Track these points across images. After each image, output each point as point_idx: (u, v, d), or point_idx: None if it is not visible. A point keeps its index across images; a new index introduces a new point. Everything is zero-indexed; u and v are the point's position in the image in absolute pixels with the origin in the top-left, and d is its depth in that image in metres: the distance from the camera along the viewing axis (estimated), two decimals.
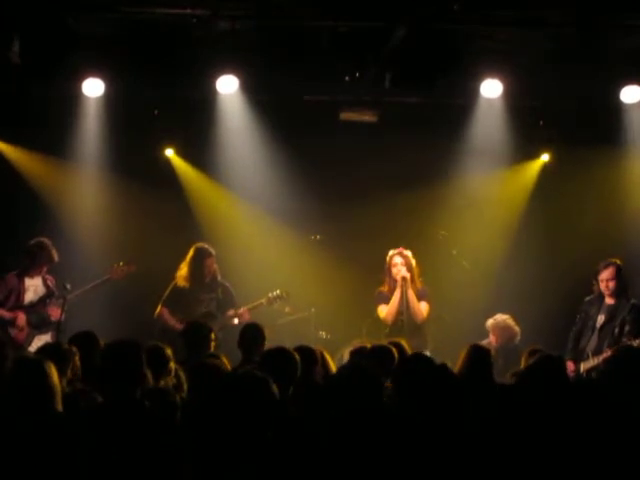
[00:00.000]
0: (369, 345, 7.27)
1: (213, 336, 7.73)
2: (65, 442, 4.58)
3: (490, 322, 9.75)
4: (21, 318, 9.41)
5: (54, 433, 4.61)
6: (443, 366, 6.52)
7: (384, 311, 9.35)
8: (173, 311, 9.71)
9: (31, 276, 9.62)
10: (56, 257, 9.63)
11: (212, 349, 7.61)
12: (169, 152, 11.00)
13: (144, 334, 8.49)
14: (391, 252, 9.45)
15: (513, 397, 5.14)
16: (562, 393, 4.79)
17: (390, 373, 5.41)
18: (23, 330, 9.40)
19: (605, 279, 8.91)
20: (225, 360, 6.51)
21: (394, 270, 9.36)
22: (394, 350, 6.77)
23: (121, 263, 9.92)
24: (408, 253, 9.41)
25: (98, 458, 4.53)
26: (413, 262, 9.40)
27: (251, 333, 7.54)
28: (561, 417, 4.68)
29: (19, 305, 9.49)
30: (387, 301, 9.39)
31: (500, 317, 9.72)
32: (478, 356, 6.77)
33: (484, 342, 9.40)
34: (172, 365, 6.04)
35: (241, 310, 9.82)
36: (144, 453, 4.57)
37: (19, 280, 9.57)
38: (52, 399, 4.78)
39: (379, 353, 6.72)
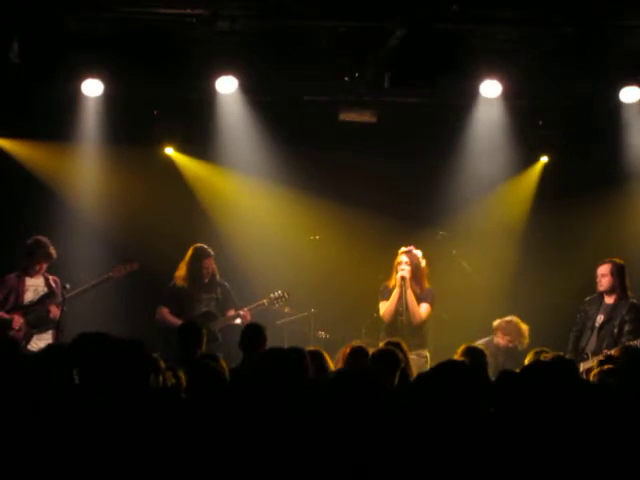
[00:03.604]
0: (366, 345, 7.26)
1: (205, 338, 7.72)
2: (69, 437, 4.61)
3: (500, 322, 9.66)
4: (17, 320, 9.41)
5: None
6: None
7: (383, 308, 9.34)
8: (172, 311, 9.72)
9: (31, 275, 9.62)
10: (54, 254, 9.61)
11: (204, 347, 7.60)
12: (169, 151, 11.01)
13: (146, 333, 8.50)
14: (401, 249, 9.37)
15: (512, 396, 5.12)
16: (565, 394, 4.78)
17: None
18: (20, 331, 9.40)
19: (600, 274, 8.95)
20: (223, 362, 6.50)
21: (398, 268, 9.32)
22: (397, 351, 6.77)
23: (123, 263, 9.93)
24: (418, 252, 9.31)
25: (101, 457, 4.54)
26: (422, 262, 9.30)
27: (252, 333, 7.54)
28: (562, 418, 4.68)
29: (19, 305, 9.49)
30: (389, 298, 9.36)
31: (512, 319, 9.64)
32: (473, 357, 6.75)
33: (484, 340, 9.41)
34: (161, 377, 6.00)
35: (243, 311, 9.81)
36: (147, 452, 4.57)
37: (19, 280, 9.57)
38: None
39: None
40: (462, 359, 6.72)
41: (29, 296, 9.57)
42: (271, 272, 10.64)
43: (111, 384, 5.24)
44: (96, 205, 10.88)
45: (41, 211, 10.54)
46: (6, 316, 9.41)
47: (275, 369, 5.52)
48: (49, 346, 6.69)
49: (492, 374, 6.79)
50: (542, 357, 6.92)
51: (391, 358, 6.62)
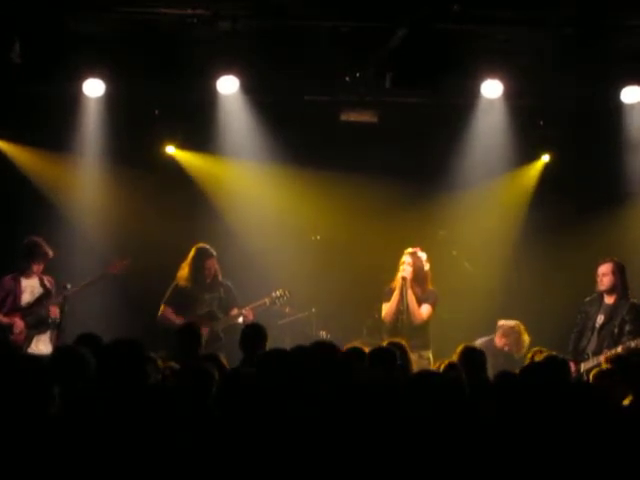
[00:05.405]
0: (366, 345, 7.26)
1: (204, 339, 7.73)
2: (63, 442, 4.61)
3: (504, 324, 9.62)
4: (18, 324, 9.39)
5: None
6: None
7: (385, 310, 9.33)
8: (175, 311, 9.72)
9: (27, 276, 9.57)
10: (51, 253, 9.55)
11: (201, 348, 7.62)
12: (170, 150, 11.01)
13: (148, 334, 8.50)
14: (408, 250, 9.36)
15: (511, 396, 5.13)
16: (562, 394, 4.79)
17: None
18: (21, 334, 9.40)
19: (601, 273, 8.92)
20: (224, 361, 6.52)
21: (400, 269, 9.31)
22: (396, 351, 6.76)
23: (116, 259, 9.93)
24: (422, 255, 9.28)
25: (99, 457, 4.55)
26: (425, 265, 9.28)
27: (252, 333, 7.53)
28: (559, 419, 4.69)
29: (16, 307, 9.47)
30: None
31: (516, 325, 9.60)
32: (471, 358, 6.74)
33: (485, 339, 9.40)
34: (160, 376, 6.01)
35: (245, 310, 9.81)
36: (147, 452, 4.58)
37: (15, 282, 9.52)
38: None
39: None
40: (458, 359, 6.73)
41: (26, 297, 9.52)
42: (272, 272, 10.63)
43: (110, 384, 5.26)
44: (98, 210, 10.87)
45: (40, 213, 10.53)
46: (6, 320, 9.41)
47: (278, 369, 5.54)
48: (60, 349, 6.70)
49: (492, 374, 6.78)
50: (536, 357, 6.92)
51: (386, 356, 6.62)
